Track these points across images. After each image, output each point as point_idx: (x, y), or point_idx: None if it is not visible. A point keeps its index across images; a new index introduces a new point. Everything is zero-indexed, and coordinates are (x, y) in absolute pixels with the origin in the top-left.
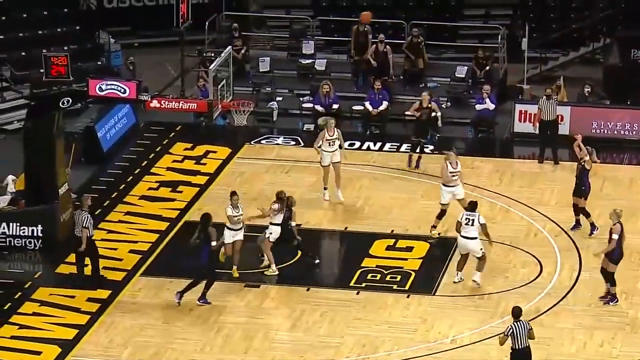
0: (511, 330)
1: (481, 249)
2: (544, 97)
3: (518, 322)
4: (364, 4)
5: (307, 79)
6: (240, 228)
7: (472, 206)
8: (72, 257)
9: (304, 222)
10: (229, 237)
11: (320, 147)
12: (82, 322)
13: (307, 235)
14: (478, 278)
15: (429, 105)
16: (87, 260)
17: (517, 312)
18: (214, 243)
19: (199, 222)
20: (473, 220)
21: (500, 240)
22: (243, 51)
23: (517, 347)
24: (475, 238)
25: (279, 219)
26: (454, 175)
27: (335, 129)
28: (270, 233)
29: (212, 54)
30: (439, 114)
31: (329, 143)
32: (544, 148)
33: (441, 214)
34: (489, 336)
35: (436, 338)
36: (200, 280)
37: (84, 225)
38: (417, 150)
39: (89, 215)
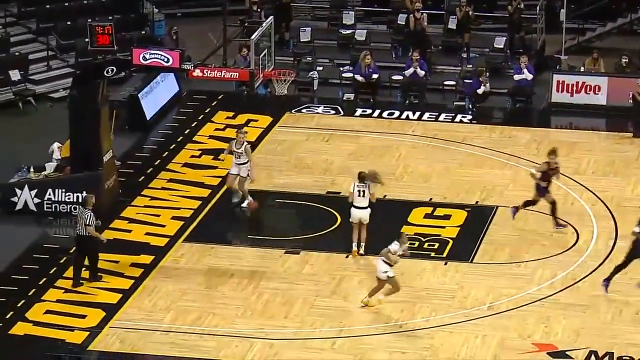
0: None
1: None
2: None
3: None
4: None
5: (347, 49)
6: None
7: None
8: (116, 223)
9: (344, 190)
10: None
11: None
12: (125, 287)
13: (346, 203)
14: None
15: None
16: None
17: None
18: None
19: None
20: None
21: (537, 209)
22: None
23: None
24: None
25: None
26: None
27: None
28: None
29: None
30: None
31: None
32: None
33: None
34: (526, 303)
35: (473, 305)
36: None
37: (87, 223)
38: None
39: (91, 214)
